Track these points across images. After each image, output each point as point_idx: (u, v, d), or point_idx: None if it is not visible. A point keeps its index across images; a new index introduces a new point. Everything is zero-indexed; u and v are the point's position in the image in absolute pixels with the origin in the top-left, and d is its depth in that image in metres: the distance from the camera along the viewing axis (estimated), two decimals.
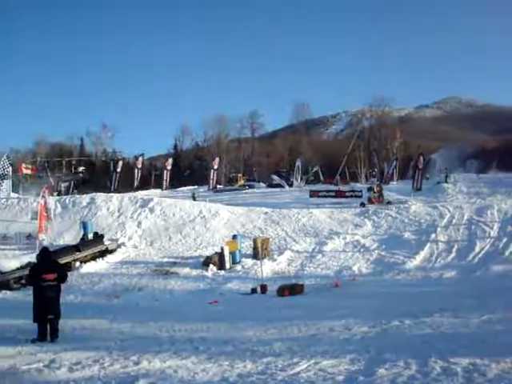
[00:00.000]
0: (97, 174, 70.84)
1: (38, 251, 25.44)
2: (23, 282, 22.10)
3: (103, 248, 27.82)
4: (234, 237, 27.08)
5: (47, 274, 10.84)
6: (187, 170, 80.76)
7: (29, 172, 47.76)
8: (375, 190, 38.58)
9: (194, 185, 59.66)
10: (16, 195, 39.45)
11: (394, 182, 56.35)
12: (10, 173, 41.41)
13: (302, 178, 57.98)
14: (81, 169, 62.77)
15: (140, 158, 53.71)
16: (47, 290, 10.75)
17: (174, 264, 25.82)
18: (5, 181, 40.32)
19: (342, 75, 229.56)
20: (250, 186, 59.60)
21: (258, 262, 23.38)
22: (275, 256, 26.35)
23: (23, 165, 47.92)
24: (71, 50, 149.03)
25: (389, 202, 36.71)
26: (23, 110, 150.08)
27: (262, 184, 62.19)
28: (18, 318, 13.55)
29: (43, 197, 29.06)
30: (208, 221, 32.59)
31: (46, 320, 10.63)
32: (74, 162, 65.11)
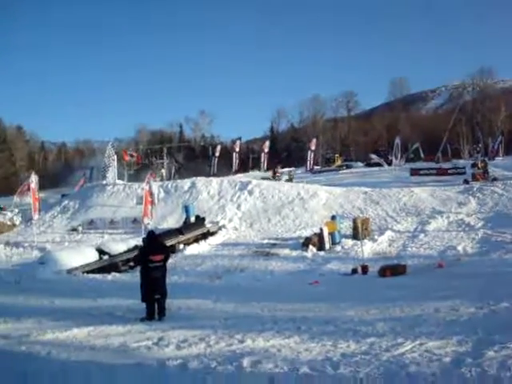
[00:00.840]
0: (196, 159, 72.52)
1: (143, 235, 26.76)
2: (130, 264, 23.16)
3: (205, 231, 28.50)
4: (333, 217, 26.82)
5: (154, 255, 11.26)
6: (284, 152, 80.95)
7: (132, 159, 49.79)
8: (479, 166, 37.05)
9: (290, 166, 59.75)
10: (121, 182, 41.19)
11: (500, 158, 53.75)
12: (115, 161, 43.34)
13: (401, 156, 56.54)
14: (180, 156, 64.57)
15: (238, 142, 54.42)
16: (154, 270, 11.18)
17: (274, 245, 26.01)
18: (110, 168, 42.25)
19: (440, 47, 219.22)
20: (348, 166, 58.98)
21: (358, 242, 23.08)
22: (375, 236, 25.88)
23: (127, 152, 50.01)
24: (170, 41, 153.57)
25: (494, 179, 35.06)
26: (125, 99, 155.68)
27: (359, 163, 61.32)
28: (126, 298, 14.20)
29: (147, 182, 30.20)
30: (306, 202, 32.56)
31: (154, 300, 11.07)
32: (173, 149, 67.30)
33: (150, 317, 10.98)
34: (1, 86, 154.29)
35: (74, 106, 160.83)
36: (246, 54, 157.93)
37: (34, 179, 33.01)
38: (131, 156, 48.84)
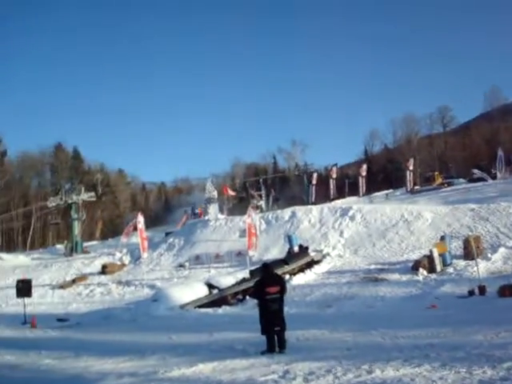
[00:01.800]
0: (291, 188, 72.82)
1: (249, 267, 27.01)
2: (239, 297, 23.43)
3: (309, 260, 28.34)
4: (442, 238, 25.93)
5: (270, 287, 11.21)
6: (380, 174, 79.61)
7: (232, 193, 50.76)
8: None
9: (388, 188, 58.56)
10: (223, 216, 41.99)
11: None
12: (216, 196, 44.42)
13: (505, 169, 53.92)
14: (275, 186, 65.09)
15: (334, 168, 54.09)
16: (272, 302, 11.11)
17: (382, 270, 25.47)
18: (212, 204, 43.31)
19: None
20: (449, 184, 56.93)
21: (470, 262, 22.19)
22: (489, 254, 24.75)
23: (228, 187, 51.09)
24: (256, 76, 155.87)
25: None
26: (219, 135, 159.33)
27: (461, 180, 59.05)
28: (242, 331, 14.29)
29: (249, 215, 30.58)
30: (411, 223, 31.72)
31: (274, 332, 10.98)
32: (269, 180, 68.06)
33: (271, 349, 10.87)
34: (103, 133, 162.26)
35: (171, 147, 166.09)
36: (332, 77, 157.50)
37: (140, 219, 34.30)
38: (231, 190, 49.86)
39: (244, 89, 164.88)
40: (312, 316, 17.69)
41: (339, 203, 43.35)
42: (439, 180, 61.40)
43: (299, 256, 28.51)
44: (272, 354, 10.76)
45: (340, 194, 56.31)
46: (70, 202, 54.61)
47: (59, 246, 56.53)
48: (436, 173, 65.77)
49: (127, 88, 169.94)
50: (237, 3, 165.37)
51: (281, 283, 11.61)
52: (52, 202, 56.54)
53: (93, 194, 59.69)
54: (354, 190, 58.15)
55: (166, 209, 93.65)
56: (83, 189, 58.30)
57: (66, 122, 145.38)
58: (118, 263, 38.67)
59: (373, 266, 26.57)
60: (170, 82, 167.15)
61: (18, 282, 24.55)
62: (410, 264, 25.08)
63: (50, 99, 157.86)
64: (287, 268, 26.67)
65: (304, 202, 49.99)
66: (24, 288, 23.69)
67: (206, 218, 41.81)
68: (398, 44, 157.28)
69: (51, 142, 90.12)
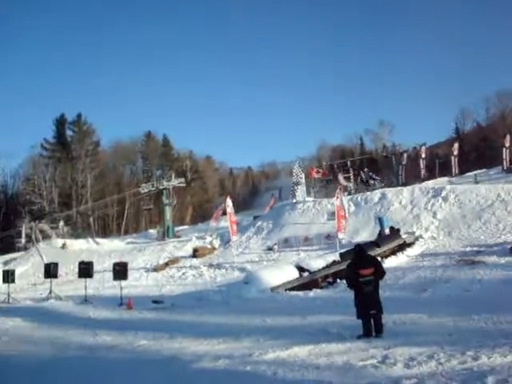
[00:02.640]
0: (379, 170, 71.27)
1: (338, 250, 26.71)
2: (329, 280, 23.20)
3: (401, 242, 27.63)
4: None
5: (364, 269, 10.93)
6: (473, 153, 76.34)
7: (319, 176, 50.34)
8: None
9: (481, 168, 56.15)
10: (310, 199, 41.73)
11: None
12: (303, 178, 44.18)
13: None
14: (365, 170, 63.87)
15: (423, 148, 52.29)
16: (366, 285, 10.82)
17: (478, 253, 24.40)
18: (299, 186, 43.15)
19: None
20: None
21: None
22: None
23: (314, 169, 50.74)
24: (342, 53, 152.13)
25: None
26: (305, 118, 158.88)
27: None
28: (335, 315, 14.10)
29: (338, 197, 30.18)
30: (509, 204, 30.23)
31: (370, 316, 10.72)
32: (357, 162, 66.91)
33: (367, 334, 10.62)
34: (191, 122, 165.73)
35: (257, 132, 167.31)
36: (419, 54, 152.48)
37: (229, 203, 34.70)
38: (317, 172, 49.43)
39: (329, 71, 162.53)
40: (406, 299, 17.14)
41: (430, 184, 41.93)
42: None
43: (391, 238, 27.84)
44: (369, 338, 10.51)
45: (431, 175, 54.46)
46: (161, 187, 56.21)
47: (152, 231, 58.45)
48: None
49: (208, 76, 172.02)
50: None
51: (375, 265, 11.26)
52: (144, 189, 58.33)
53: (183, 179, 61.11)
54: (444, 170, 56.11)
55: (253, 193, 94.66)
56: (173, 175, 59.80)
57: (156, 112, 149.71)
58: (209, 247, 39.38)
59: (468, 249, 25.51)
60: (254, 65, 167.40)
61: (115, 265, 25.52)
62: (509, 246, 23.92)
63: (140, 90, 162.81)
64: (379, 250, 26.03)
65: (393, 183, 48.74)
66: (120, 271, 24.60)
67: (294, 200, 41.68)
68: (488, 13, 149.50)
69: (142, 131, 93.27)
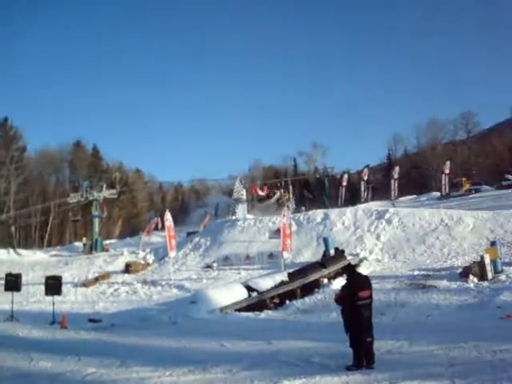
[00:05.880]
0: (311, 191, 71.42)
1: (283, 270, 25.77)
2: (276, 301, 22.18)
3: (346, 263, 26.89)
4: (493, 243, 24.54)
5: (362, 291, 9.78)
6: (402, 179, 78.11)
7: (263, 193, 49.55)
8: None
9: (413, 194, 57.21)
10: (251, 216, 40.74)
11: None
12: (245, 196, 43.18)
13: None
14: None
15: (365, 170, 52.71)
16: (365, 309, 9.66)
17: (427, 277, 24.10)
18: (240, 204, 42.09)
19: None
20: (477, 190, 55.49)
21: None
22: None
23: (257, 186, 49.93)
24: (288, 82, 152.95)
25: None
26: (238, 137, 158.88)
27: (487, 187, 57.54)
28: (304, 340, 13.03)
29: (284, 215, 29.27)
30: (452, 228, 30.31)
31: (365, 344, 9.49)
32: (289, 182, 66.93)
33: (359, 365, 9.40)
34: (122, 133, 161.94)
35: (187, 148, 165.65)
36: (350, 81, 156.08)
37: (169, 217, 33.10)
38: (261, 189, 48.66)
39: (263, 91, 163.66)
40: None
41: (373, 206, 41.97)
42: (467, 186, 59.86)
43: (336, 259, 27.17)
44: (361, 370, 9.30)
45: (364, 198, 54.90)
46: (91, 198, 53.55)
47: (78, 244, 55.58)
48: (464, 179, 64.17)
49: (143, 87, 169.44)
50: None
51: (371, 286, 10.16)
52: (73, 199, 55.30)
53: (114, 191, 58.78)
54: (376, 195, 56.96)
55: (183, 209, 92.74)
56: (105, 186, 57.27)
57: (86, 120, 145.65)
58: (142, 262, 37.44)
59: (416, 272, 25.18)
60: (187, 83, 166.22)
61: (47, 278, 23.10)
62: (457, 270, 23.75)
63: (69, 96, 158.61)
64: (325, 272, 25.41)
65: (324, 205, 48.49)
66: (54, 285, 22.24)
67: (234, 217, 40.56)
68: (421, 47, 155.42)
69: (71, 140, 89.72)
